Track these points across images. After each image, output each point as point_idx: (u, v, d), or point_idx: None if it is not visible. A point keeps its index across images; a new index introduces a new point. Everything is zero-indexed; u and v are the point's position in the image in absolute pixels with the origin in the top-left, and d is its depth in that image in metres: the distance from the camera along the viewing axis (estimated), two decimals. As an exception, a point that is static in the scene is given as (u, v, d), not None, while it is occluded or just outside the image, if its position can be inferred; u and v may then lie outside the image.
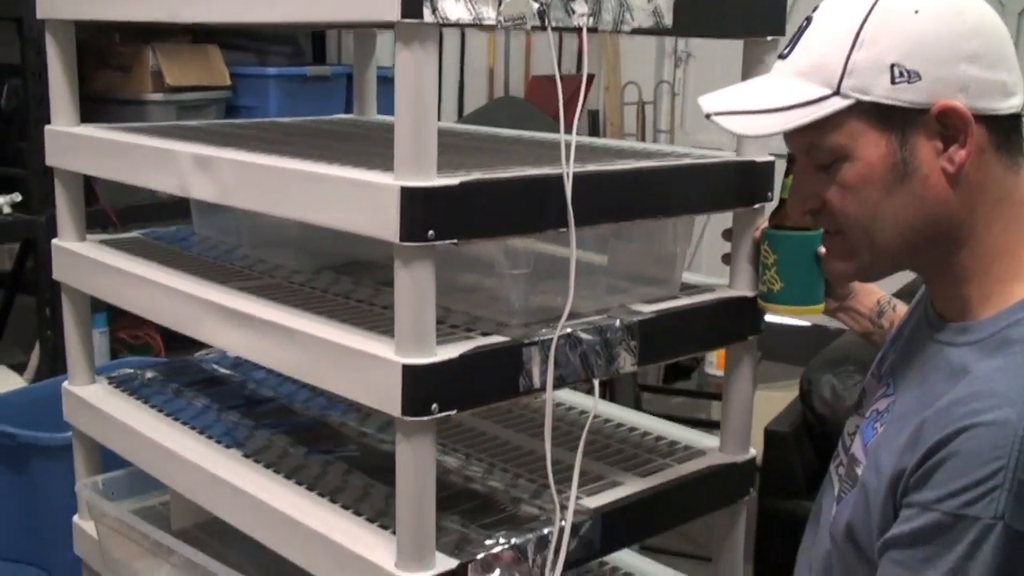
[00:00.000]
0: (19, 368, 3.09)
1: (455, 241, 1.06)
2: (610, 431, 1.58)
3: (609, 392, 3.20)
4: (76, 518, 1.71)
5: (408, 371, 1.05)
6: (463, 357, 1.09)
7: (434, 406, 1.06)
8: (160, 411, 1.58)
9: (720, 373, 3.57)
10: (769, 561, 2.48)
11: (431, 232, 1.04)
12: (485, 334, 1.16)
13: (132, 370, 1.76)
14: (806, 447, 2.61)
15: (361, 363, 1.11)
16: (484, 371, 1.11)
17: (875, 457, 1.06)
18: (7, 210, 2.75)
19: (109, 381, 1.71)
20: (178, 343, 2.64)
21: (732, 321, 1.37)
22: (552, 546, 1.20)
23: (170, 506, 1.65)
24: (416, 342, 1.06)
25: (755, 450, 1.47)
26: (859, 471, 1.09)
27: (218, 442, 1.46)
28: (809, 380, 2.63)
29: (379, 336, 1.14)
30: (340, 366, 1.14)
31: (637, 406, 3.13)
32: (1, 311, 3.51)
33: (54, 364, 2.85)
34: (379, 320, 1.22)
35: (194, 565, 1.36)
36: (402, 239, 1.03)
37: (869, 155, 1.02)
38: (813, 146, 1.05)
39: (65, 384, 1.69)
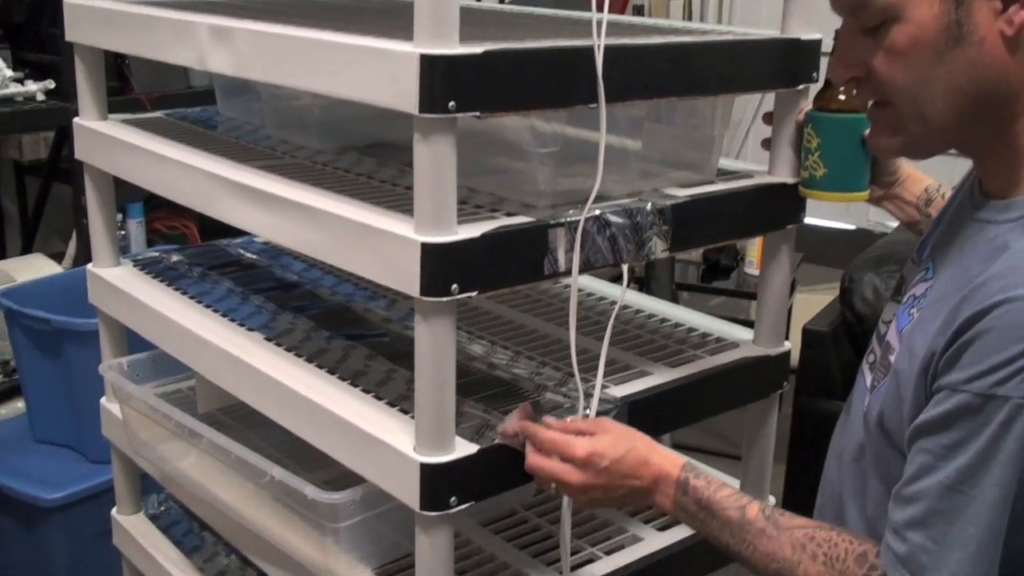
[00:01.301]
0: (57, 257, 3.10)
1: (477, 113, 1.01)
2: (641, 321, 1.54)
3: (646, 289, 3.16)
4: (103, 400, 1.71)
5: (427, 250, 1.01)
6: (485, 237, 1.04)
7: (454, 286, 1.02)
8: (184, 294, 1.56)
9: (759, 272, 3.50)
10: (802, 461, 2.46)
11: (452, 103, 0.98)
12: (510, 215, 1.12)
13: (157, 253, 1.74)
14: (844, 347, 2.56)
15: (379, 241, 1.07)
16: (507, 252, 1.07)
17: (909, 342, 1.01)
18: (41, 97, 2.72)
19: (135, 264, 1.69)
20: (214, 233, 2.63)
21: (771, 208, 1.32)
22: (576, 434, 1.17)
23: (196, 389, 1.64)
24: (435, 220, 1.02)
25: (790, 344, 1.42)
26: (892, 358, 1.04)
27: (241, 325, 1.44)
28: (851, 279, 2.57)
29: (399, 214, 1.10)
30: (358, 244, 1.10)
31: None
32: (38, 200, 3.52)
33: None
34: (401, 200, 1.18)
35: (219, 449, 1.35)
36: (421, 110, 0.98)
37: (921, 16, 0.94)
38: (862, 5, 0.97)
39: (90, 266, 1.67)
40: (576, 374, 1.16)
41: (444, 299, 1.02)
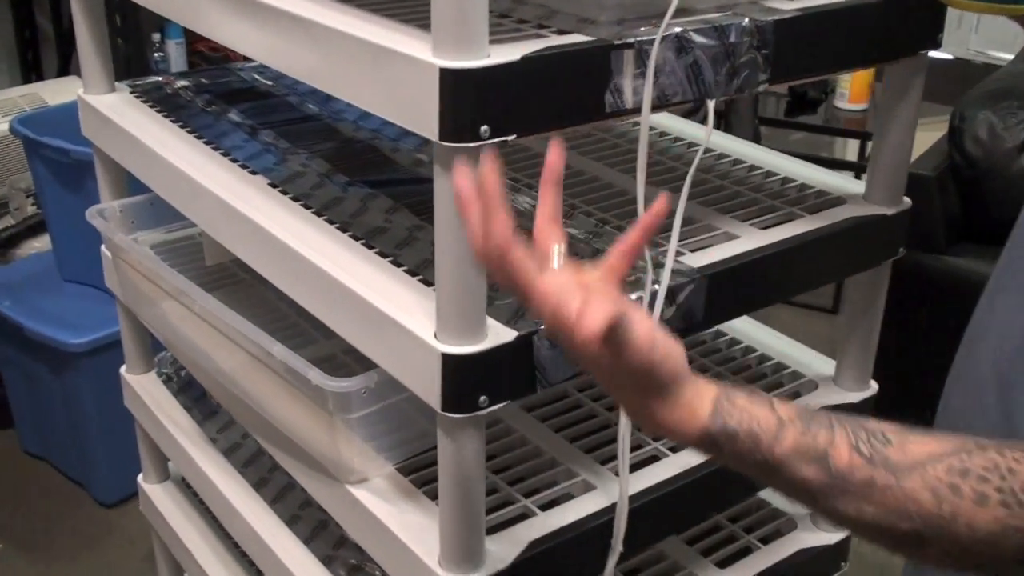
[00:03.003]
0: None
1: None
2: (723, 169, 1.27)
3: (724, 124, 2.85)
4: (103, 246, 1.50)
5: (448, 77, 0.76)
6: (527, 62, 0.78)
7: (483, 128, 0.77)
8: (184, 127, 1.32)
9: (852, 107, 3.16)
10: (898, 328, 2.20)
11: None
12: (562, 32, 0.85)
13: (159, 79, 1.49)
14: (950, 194, 2.26)
15: (386, 65, 0.81)
16: (555, 82, 0.80)
17: None
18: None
19: (132, 91, 1.45)
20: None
21: (901, 26, 1.02)
22: (641, 316, 0.93)
23: (202, 237, 1.43)
24: (460, 37, 0.76)
25: (909, 201, 1.15)
26: None
27: (244, 166, 1.20)
28: (961, 116, 2.24)
29: (414, 30, 0.84)
30: (361, 69, 0.85)
31: (755, 142, 2.78)
32: (71, 23, 3.28)
33: (125, 75, 2.63)
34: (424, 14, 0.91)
35: (212, 314, 1.13)
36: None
37: None
38: None
39: (80, 91, 1.43)
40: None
41: (471, 144, 0.77)
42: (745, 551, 1.26)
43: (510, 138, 0.79)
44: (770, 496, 1.31)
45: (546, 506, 1.04)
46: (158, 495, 1.62)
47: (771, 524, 1.30)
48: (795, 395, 1.24)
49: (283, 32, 0.94)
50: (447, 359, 0.84)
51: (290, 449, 1.15)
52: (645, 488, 1.05)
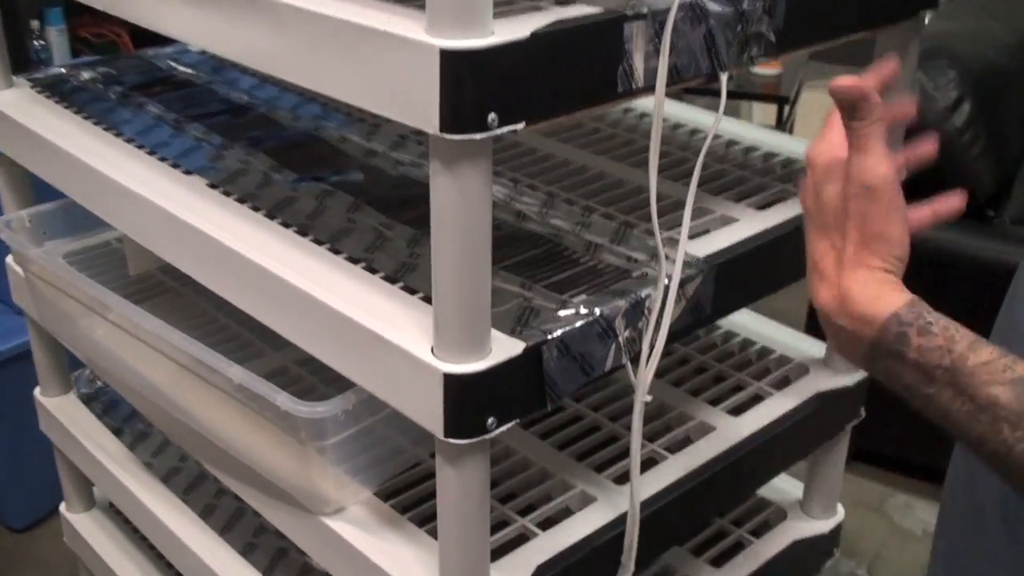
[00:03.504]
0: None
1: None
2: (699, 147, 1.19)
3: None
4: (8, 259, 1.34)
5: (449, 59, 0.65)
6: (536, 38, 0.68)
7: (492, 117, 0.67)
8: (98, 123, 1.18)
9: (765, 72, 3.12)
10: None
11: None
12: (564, 2, 0.75)
13: (63, 70, 1.34)
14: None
15: (370, 46, 0.70)
16: (566, 61, 0.70)
17: None
18: None
19: (32, 85, 1.30)
20: (151, 40, 2.19)
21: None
22: (653, 314, 0.84)
23: (124, 244, 1.29)
24: (461, 12, 0.65)
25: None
26: None
27: (175, 166, 1.08)
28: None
29: (405, 7, 0.73)
30: (345, 56, 0.73)
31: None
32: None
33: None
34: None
35: (146, 331, 1.01)
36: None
37: None
38: None
39: (-28, 88, 1.28)
40: (656, 225, 0.81)
41: (477, 136, 0.67)
42: (737, 546, 1.20)
43: (519, 127, 0.69)
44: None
45: (545, 524, 0.95)
46: (84, 524, 1.48)
47: (760, 515, 1.24)
48: (784, 381, 1.17)
49: (236, 14, 0.81)
50: (450, 380, 0.74)
51: (245, 476, 1.04)
52: (652, 495, 0.97)
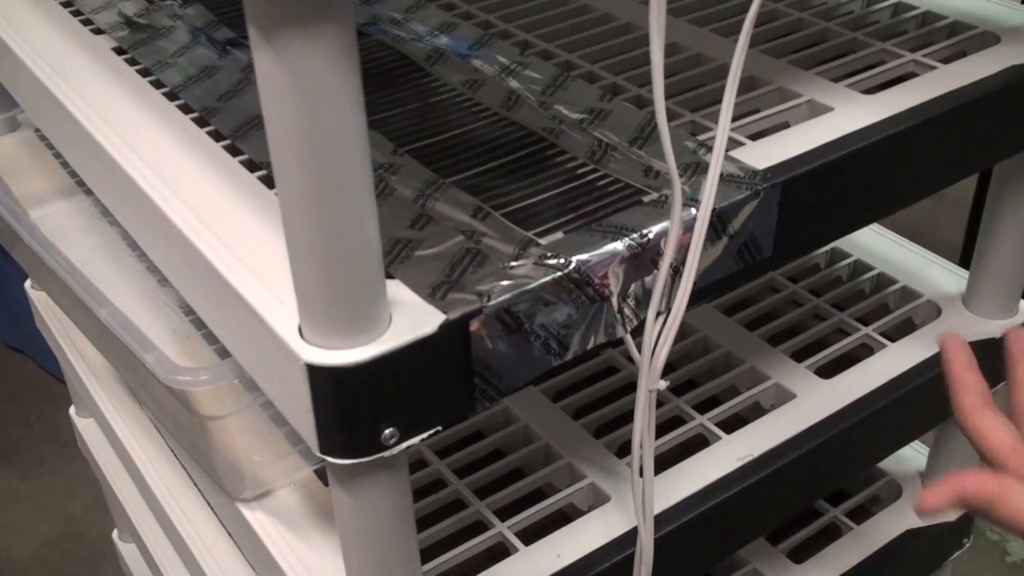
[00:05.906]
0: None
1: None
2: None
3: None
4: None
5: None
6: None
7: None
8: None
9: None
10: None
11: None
12: None
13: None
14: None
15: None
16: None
17: None
18: None
19: None
20: None
21: None
22: (665, 260, 0.54)
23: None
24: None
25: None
26: None
27: (88, 23, 0.82)
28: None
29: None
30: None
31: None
32: None
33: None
34: None
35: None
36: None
37: None
38: None
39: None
40: (660, 123, 0.51)
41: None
42: (832, 531, 0.91)
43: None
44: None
45: (533, 531, 0.69)
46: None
47: (867, 490, 0.95)
48: (906, 326, 0.85)
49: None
50: (317, 374, 0.47)
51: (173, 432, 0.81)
52: (688, 496, 0.70)
